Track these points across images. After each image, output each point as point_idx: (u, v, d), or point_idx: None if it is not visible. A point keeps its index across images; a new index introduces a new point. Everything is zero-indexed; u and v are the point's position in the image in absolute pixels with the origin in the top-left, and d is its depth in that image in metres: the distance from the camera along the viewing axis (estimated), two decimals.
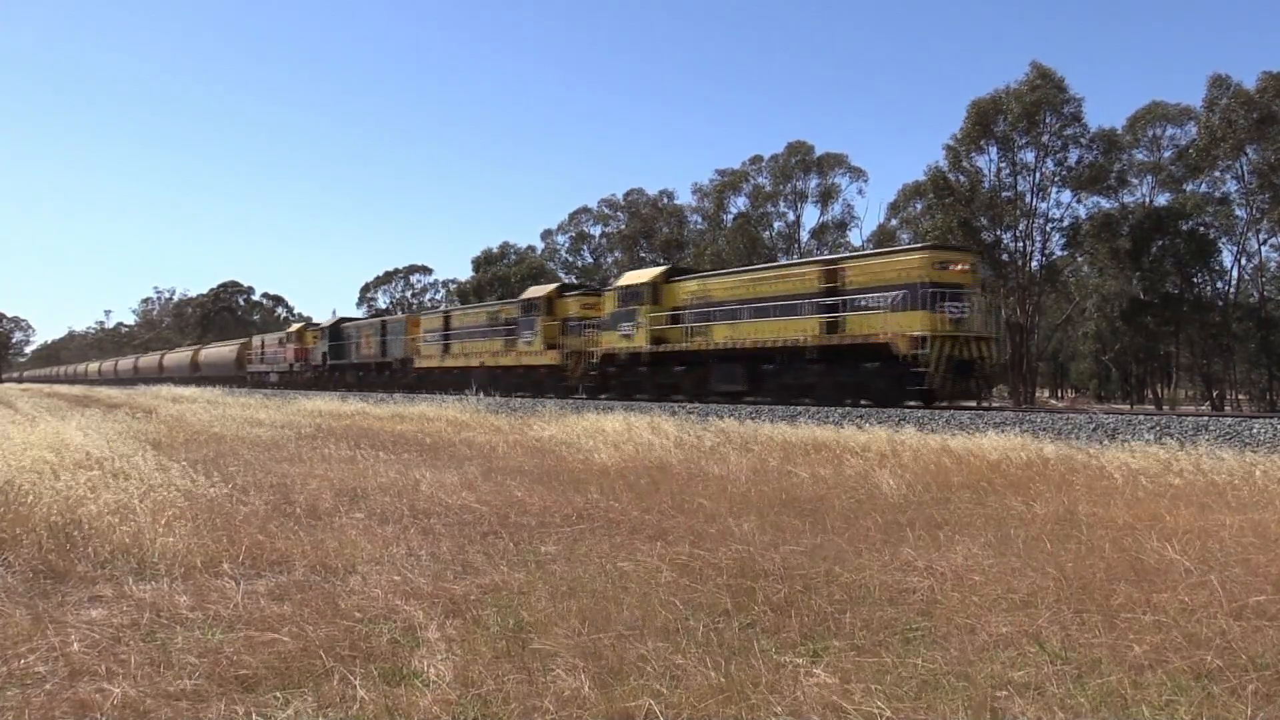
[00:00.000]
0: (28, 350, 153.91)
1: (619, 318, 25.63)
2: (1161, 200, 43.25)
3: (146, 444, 12.26)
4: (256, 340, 57.22)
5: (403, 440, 14.59)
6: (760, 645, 4.01)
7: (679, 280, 25.00)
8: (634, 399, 24.44)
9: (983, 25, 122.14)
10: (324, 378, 45.02)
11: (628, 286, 25.74)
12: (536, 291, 31.22)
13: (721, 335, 22.46)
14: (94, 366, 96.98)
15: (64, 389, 64.94)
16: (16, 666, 3.76)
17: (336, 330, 44.87)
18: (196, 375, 63.44)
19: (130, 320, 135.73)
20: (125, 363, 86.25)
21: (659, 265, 40.84)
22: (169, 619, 4.48)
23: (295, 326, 51.18)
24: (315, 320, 51.96)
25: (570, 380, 27.98)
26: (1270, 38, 79.60)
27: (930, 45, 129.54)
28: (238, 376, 56.42)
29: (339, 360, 43.74)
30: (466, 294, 70.26)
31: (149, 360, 77.88)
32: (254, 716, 3.28)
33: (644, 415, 15.92)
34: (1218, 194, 41.52)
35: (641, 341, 24.63)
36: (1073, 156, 41.24)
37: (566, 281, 48.97)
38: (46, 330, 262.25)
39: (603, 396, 26.36)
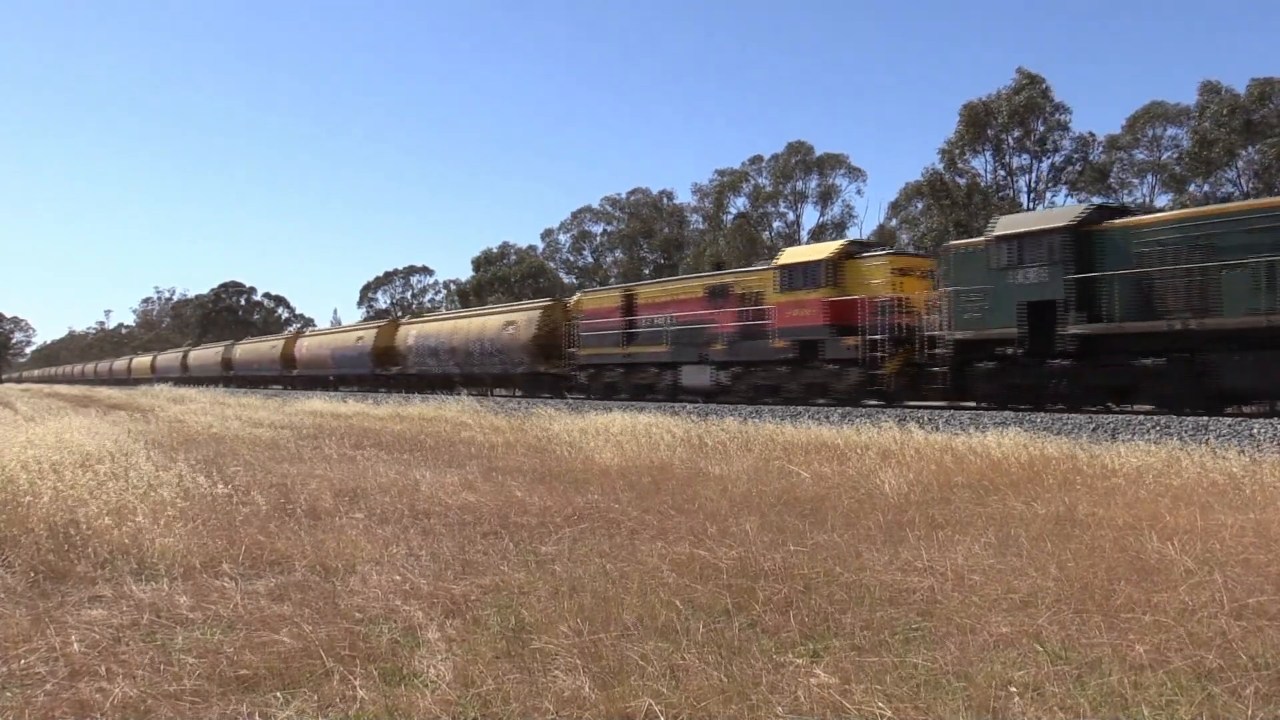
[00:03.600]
0: (28, 351, 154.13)
1: None
2: (1163, 200, 43.26)
3: (146, 444, 12.26)
4: (596, 297, 26.55)
5: (402, 440, 14.58)
6: (761, 645, 4.01)
7: None
8: None
9: (986, 26, 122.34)
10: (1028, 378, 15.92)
11: None
12: None
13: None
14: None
15: (64, 389, 64.90)
16: (16, 666, 3.76)
17: (1094, 238, 14.95)
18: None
19: (130, 320, 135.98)
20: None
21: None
22: (169, 619, 4.47)
23: (795, 254, 20.85)
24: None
25: None
26: (1271, 38, 79.45)
27: (933, 46, 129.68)
28: (539, 377, 28.35)
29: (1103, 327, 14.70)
30: (466, 294, 70.03)
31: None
32: (254, 716, 3.28)
33: (650, 415, 15.91)
34: (1219, 194, 41.53)
35: None
36: (1059, 158, 41.51)
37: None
38: (47, 330, 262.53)
39: None
